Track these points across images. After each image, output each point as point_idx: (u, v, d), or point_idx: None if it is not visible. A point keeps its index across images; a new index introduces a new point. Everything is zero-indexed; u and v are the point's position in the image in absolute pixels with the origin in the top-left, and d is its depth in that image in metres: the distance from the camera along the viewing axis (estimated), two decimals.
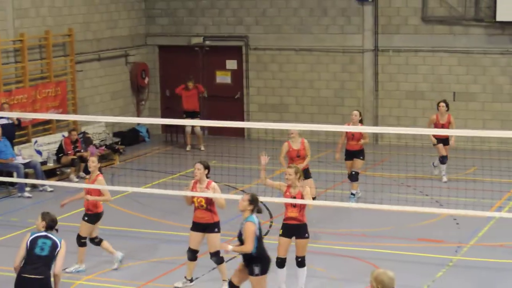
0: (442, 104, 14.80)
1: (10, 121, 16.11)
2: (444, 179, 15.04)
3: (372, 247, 11.76)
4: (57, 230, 7.85)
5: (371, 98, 18.92)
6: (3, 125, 15.85)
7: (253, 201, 8.46)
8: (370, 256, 11.15)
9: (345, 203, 13.14)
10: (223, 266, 10.05)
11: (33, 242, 7.66)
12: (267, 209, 13.19)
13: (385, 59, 18.84)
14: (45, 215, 7.99)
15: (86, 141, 17.89)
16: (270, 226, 12.93)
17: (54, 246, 7.70)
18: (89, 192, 10.76)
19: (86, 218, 10.72)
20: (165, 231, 12.77)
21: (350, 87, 19.14)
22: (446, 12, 18.36)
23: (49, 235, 7.76)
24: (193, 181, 10.04)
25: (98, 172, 11.01)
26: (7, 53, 16.95)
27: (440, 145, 14.86)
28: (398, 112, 19.01)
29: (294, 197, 9.67)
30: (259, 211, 8.66)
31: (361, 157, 14.02)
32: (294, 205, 9.64)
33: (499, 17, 17.17)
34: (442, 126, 14.81)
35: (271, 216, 13.30)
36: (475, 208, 12.30)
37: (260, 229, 8.63)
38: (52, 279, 7.77)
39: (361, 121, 14.05)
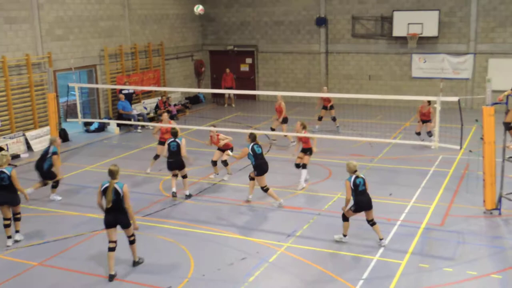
0: (426, 101, 17.87)
1: (130, 91, 22.49)
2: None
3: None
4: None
5: (324, 78, 26.48)
6: (126, 94, 22.30)
7: (250, 135, 12.94)
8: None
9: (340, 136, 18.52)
10: (228, 166, 14.96)
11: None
12: (268, 137, 18.77)
13: (332, 57, 26.59)
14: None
15: (169, 103, 24.25)
16: (270, 147, 18.19)
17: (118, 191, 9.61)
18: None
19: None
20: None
21: (313, 72, 26.82)
22: (365, 31, 25.71)
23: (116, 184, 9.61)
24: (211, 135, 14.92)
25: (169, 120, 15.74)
26: (127, 54, 23.68)
27: (420, 123, 18.05)
28: (339, 86, 26.43)
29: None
30: (253, 140, 12.88)
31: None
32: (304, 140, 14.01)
33: (394, 34, 24.77)
34: (424, 114, 17.91)
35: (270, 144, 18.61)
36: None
37: (255, 150, 12.68)
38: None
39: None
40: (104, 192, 9.59)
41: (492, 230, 11.84)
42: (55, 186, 13.82)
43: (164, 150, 14.45)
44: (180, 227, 12.16)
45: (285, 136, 17.28)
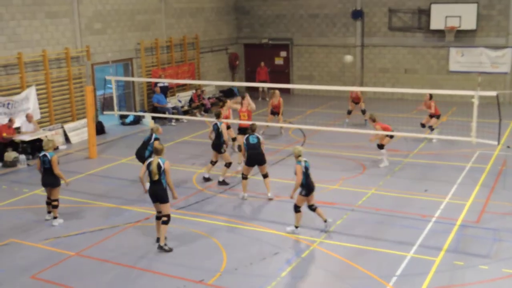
0: (428, 95, 17.99)
1: (165, 84, 22.48)
2: (434, 140, 17.94)
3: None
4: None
5: (359, 72, 26.28)
6: (161, 87, 22.26)
7: (251, 126, 13.37)
8: None
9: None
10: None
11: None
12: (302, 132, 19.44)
13: (367, 50, 26.39)
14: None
15: (204, 96, 24.46)
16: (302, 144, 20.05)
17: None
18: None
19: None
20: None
21: (347, 66, 26.54)
22: (402, 24, 25.49)
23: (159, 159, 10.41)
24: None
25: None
26: (162, 48, 23.74)
27: (427, 117, 18.19)
28: (374, 80, 26.24)
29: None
30: (253, 130, 13.22)
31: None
32: None
33: (432, 27, 24.52)
34: (428, 106, 17.90)
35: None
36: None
37: (248, 140, 12.95)
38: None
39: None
40: (149, 166, 10.48)
41: None
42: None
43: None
44: (213, 220, 12.26)
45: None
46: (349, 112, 20.75)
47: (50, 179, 12.00)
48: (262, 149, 13.16)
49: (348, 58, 22.40)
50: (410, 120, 20.28)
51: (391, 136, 15.59)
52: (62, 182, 12.21)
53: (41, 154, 12.08)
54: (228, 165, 14.36)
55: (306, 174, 11.00)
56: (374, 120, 15.43)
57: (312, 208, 11.34)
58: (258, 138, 13.26)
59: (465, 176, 14.88)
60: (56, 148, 18.01)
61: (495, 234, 11.22)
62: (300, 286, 9.57)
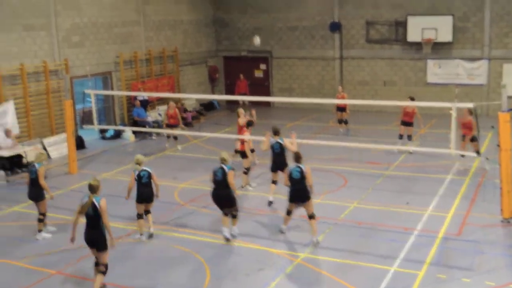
0: (409, 99, 18.10)
1: (145, 98, 22.37)
2: (395, 150, 17.86)
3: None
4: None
5: (338, 84, 25.72)
6: (141, 100, 22.25)
7: (273, 129, 13.58)
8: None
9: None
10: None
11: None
12: None
13: (346, 62, 26.45)
14: None
15: (185, 109, 24.23)
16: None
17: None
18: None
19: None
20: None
21: (327, 78, 26.84)
22: (379, 36, 25.62)
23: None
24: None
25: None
26: (142, 61, 23.59)
27: (402, 126, 18.05)
28: (354, 92, 26.09)
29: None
30: (276, 133, 13.44)
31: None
32: None
33: (409, 39, 24.66)
34: (407, 113, 17.75)
35: None
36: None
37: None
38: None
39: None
40: (82, 207, 9.30)
41: (510, 239, 11.75)
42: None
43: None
44: (196, 236, 12.16)
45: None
46: (340, 122, 20.86)
47: (34, 192, 11.94)
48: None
49: (257, 40, 21.23)
50: (390, 132, 20.41)
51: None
52: (46, 196, 12.05)
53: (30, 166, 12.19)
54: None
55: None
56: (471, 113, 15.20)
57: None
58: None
59: (445, 188, 15.00)
60: None
61: (477, 246, 11.32)
62: None
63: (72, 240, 9.48)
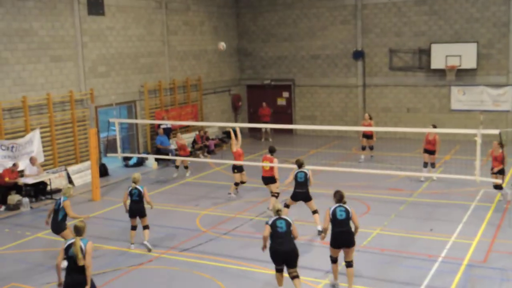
0: (431, 126, 17.98)
1: (169, 126, 22.72)
2: (422, 178, 17.69)
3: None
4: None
5: (362, 112, 25.86)
6: (164, 128, 22.42)
7: (296, 162, 13.31)
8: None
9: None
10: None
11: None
12: None
13: (369, 90, 26.59)
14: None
15: (207, 137, 24.39)
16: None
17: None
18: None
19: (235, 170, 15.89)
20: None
21: (350, 106, 26.86)
22: (403, 64, 25.70)
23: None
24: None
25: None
26: (166, 90, 23.91)
27: (426, 155, 17.72)
28: (377, 119, 25.56)
29: None
30: (299, 166, 13.22)
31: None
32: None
33: (432, 66, 24.70)
34: (429, 141, 17.60)
35: None
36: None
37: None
38: None
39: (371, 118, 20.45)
40: (68, 250, 8.79)
41: None
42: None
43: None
44: (217, 262, 12.11)
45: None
46: (363, 148, 20.78)
47: (54, 224, 11.94)
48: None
49: (222, 45, 20.88)
50: (413, 159, 20.23)
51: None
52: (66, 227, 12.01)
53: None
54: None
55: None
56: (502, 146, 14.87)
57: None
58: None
59: (470, 215, 14.76)
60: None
61: (503, 274, 11.06)
62: None
63: (60, 285, 8.97)
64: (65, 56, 19.75)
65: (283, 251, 9.50)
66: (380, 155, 21.74)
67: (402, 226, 13.95)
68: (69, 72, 19.95)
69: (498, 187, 15.00)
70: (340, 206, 10.18)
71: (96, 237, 13.89)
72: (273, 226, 9.58)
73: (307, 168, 13.49)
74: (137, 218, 12.78)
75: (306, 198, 13.27)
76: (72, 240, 8.85)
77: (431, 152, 17.65)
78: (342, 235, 10.05)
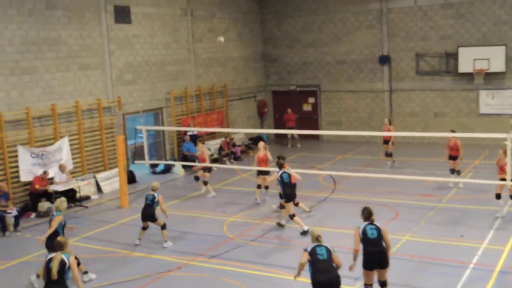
0: (451, 132, 17.65)
1: (195, 132, 22.65)
2: (460, 185, 17.54)
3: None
4: None
5: (388, 116, 25.35)
6: (191, 135, 22.28)
7: (277, 163, 14.20)
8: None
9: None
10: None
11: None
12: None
13: (396, 95, 26.38)
14: None
15: (233, 143, 24.65)
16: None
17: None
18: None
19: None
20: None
21: (376, 111, 26.64)
22: (430, 68, 25.41)
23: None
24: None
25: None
26: (192, 97, 24.07)
27: (451, 161, 17.44)
28: (403, 124, 25.84)
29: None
30: (280, 167, 13.94)
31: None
32: None
33: (460, 70, 24.40)
34: (451, 147, 17.42)
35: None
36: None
37: (283, 178, 13.72)
38: None
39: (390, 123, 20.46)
40: (49, 264, 8.83)
41: None
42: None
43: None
44: (244, 269, 12.08)
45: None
46: (387, 154, 20.68)
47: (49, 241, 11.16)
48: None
49: (221, 38, 20.89)
50: (441, 164, 19.96)
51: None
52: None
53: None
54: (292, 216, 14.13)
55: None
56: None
57: None
58: (290, 175, 13.52)
59: (501, 221, 14.53)
60: (82, 200, 18.05)
61: None
62: None
63: None
64: (93, 64, 19.98)
65: (326, 281, 8.63)
66: (408, 160, 21.54)
67: (432, 232, 13.77)
68: (96, 80, 20.18)
69: (498, 196, 14.58)
70: (370, 224, 9.39)
71: (124, 243, 14.05)
72: (313, 253, 8.79)
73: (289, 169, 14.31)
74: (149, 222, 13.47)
75: (295, 194, 14.28)
76: (53, 255, 8.94)
77: (455, 158, 17.44)
78: (376, 255, 9.32)
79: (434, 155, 21.79)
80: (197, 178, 18.80)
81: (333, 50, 27.65)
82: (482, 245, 12.83)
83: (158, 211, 13.86)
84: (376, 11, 26.54)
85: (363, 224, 9.35)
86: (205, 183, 18.46)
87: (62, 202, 11.73)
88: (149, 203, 13.58)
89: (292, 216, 13.88)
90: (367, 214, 9.39)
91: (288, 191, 13.89)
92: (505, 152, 14.18)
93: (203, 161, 18.57)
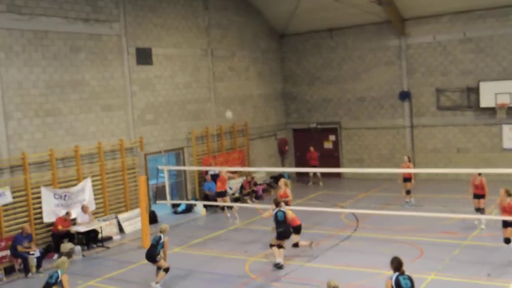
0: (476, 174, 17.12)
1: (216, 172, 21.88)
2: (482, 226, 16.83)
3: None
4: None
5: (410, 153, 25.54)
6: (212, 175, 22.48)
7: (274, 201, 14.38)
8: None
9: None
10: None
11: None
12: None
13: (417, 130, 26.20)
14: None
15: (255, 182, 24.67)
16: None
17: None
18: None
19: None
20: None
21: (398, 147, 26.47)
22: (451, 103, 25.32)
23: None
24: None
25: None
26: (213, 136, 24.27)
27: (476, 200, 17.08)
28: (426, 160, 25.75)
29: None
30: (277, 206, 14.07)
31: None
32: None
33: (482, 105, 24.26)
34: (477, 186, 17.06)
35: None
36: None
37: (277, 216, 13.94)
38: None
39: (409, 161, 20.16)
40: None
41: None
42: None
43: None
44: None
45: None
46: (407, 192, 20.36)
47: None
48: None
49: (229, 114, 21.57)
50: (465, 201, 19.64)
51: None
52: None
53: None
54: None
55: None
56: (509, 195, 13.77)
57: None
58: (285, 213, 13.60)
59: None
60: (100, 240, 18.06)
61: None
62: None
63: None
64: (115, 105, 20.24)
65: None
66: (431, 197, 21.24)
67: (457, 271, 13.44)
68: (119, 120, 20.40)
69: (507, 240, 14.14)
70: (401, 274, 9.02)
71: (145, 285, 13.93)
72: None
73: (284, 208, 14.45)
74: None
75: (289, 235, 14.35)
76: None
77: (480, 196, 17.07)
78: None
79: (458, 192, 21.46)
80: (223, 209, 19.47)
81: (353, 87, 27.69)
82: (510, 285, 12.47)
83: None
84: (394, 47, 26.63)
85: (394, 274, 8.98)
86: (230, 208, 19.36)
87: (64, 262, 11.29)
88: (154, 243, 13.55)
89: (271, 246, 14.24)
90: (397, 265, 9.03)
91: (281, 230, 14.07)
92: (506, 192, 13.91)
93: (223, 183, 19.59)
